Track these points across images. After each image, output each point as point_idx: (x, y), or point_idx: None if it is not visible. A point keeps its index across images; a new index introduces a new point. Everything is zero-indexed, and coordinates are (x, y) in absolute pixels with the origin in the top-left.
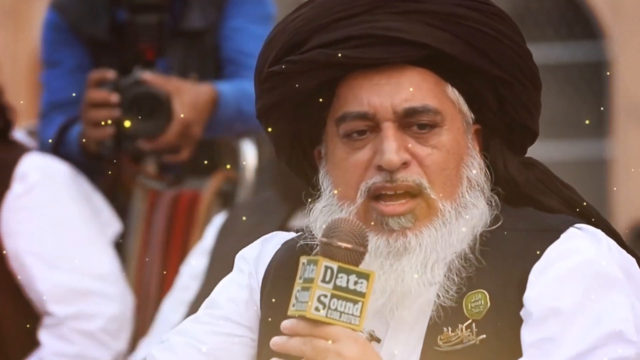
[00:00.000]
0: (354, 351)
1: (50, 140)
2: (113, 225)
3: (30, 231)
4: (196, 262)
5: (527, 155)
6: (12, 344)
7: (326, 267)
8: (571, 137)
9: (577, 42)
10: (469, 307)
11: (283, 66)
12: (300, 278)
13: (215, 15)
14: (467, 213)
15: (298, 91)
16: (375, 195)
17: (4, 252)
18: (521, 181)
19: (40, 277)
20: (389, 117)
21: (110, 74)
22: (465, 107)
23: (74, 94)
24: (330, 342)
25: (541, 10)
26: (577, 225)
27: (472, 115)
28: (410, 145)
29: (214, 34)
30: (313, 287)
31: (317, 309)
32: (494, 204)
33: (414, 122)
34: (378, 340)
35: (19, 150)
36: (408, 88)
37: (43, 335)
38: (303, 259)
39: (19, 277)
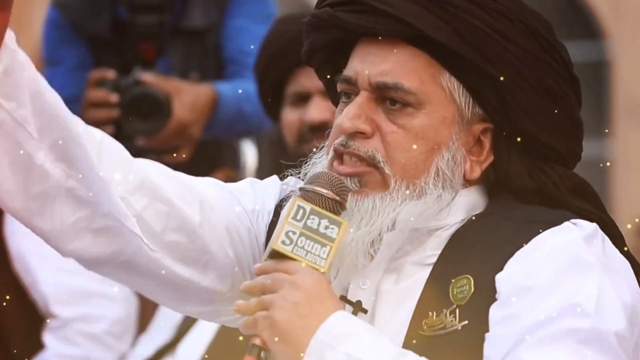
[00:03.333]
0: (308, 282)
1: None
2: None
3: None
4: None
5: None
6: (16, 345)
7: (299, 206)
8: None
9: (577, 42)
10: (455, 292)
11: (308, 17)
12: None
13: (217, 14)
14: (424, 199)
15: (319, 45)
16: (337, 155)
17: (9, 252)
18: (518, 185)
19: (45, 278)
20: (365, 86)
21: (110, 74)
22: (461, 99)
23: (74, 93)
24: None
25: (541, 10)
26: (574, 220)
27: (479, 111)
28: (376, 118)
29: (215, 33)
30: (283, 222)
31: (283, 242)
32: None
33: (386, 97)
34: (365, 311)
35: None
36: (390, 62)
37: (47, 337)
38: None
39: (23, 278)
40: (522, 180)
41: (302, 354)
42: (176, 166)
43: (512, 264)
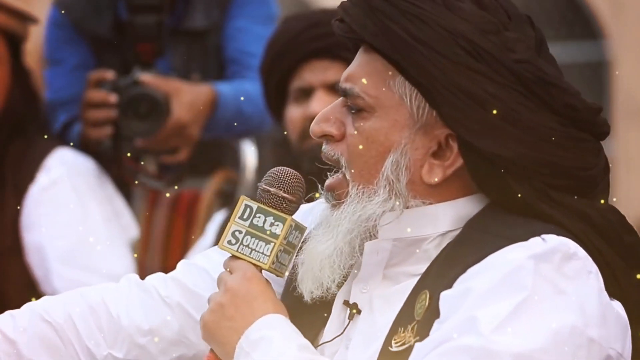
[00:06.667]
0: (237, 283)
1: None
2: (131, 230)
3: (52, 225)
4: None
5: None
6: None
7: (246, 206)
8: None
9: (577, 42)
10: (417, 307)
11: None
12: None
13: (218, 15)
14: (370, 203)
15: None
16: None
17: (24, 245)
18: (488, 195)
19: (58, 273)
20: (340, 91)
21: (109, 74)
22: (413, 103)
23: (76, 92)
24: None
25: (541, 10)
26: (545, 235)
27: (437, 114)
28: (345, 121)
29: (217, 34)
30: (230, 222)
31: (229, 242)
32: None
33: (348, 100)
34: (359, 312)
35: (51, 144)
36: (353, 67)
37: None
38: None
39: (36, 270)
40: (486, 190)
41: (232, 356)
42: (177, 166)
43: (461, 280)
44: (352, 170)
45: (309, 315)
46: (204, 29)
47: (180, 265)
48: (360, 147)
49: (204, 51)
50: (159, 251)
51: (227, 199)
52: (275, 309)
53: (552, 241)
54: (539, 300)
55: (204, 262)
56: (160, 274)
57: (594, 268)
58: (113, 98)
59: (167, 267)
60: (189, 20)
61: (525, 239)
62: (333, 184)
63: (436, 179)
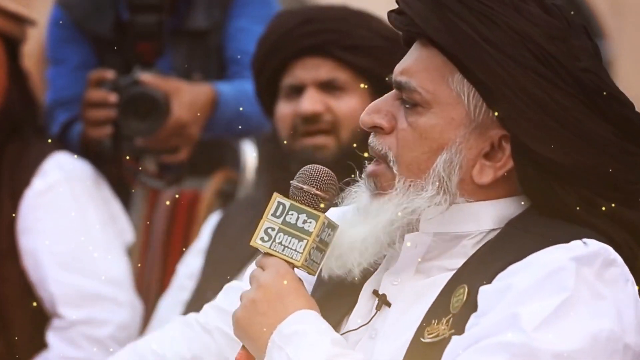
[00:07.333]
0: (269, 279)
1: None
2: (128, 234)
3: (47, 230)
4: (192, 262)
5: None
6: (19, 342)
7: (279, 203)
8: None
9: None
10: (453, 301)
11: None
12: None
13: (219, 15)
14: (417, 198)
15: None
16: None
17: (20, 248)
18: (531, 199)
19: (54, 277)
20: (394, 84)
21: (110, 74)
22: (470, 102)
23: (77, 92)
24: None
25: None
26: (586, 239)
27: (494, 115)
28: (397, 114)
29: (218, 34)
30: (262, 219)
31: (262, 239)
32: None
33: (402, 94)
34: (388, 305)
35: (48, 148)
36: (409, 61)
37: (51, 336)
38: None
39: (31, 275)
40: (530, 194)
41: (263, 352)
42: (177, 165)
43: (501, 277)
44: (400, 164)
45: (335, 298)
46: (205, 29)
47: (221, 291)
48: (412, 142)
49: (205, 51)
50: (159, 251)
51: (227, 199)
52: (307, 304)
53: (594, 246)
54: (580, 303)
55: (241, 283)
56: (204, 307)
57: (631, 277)
58: (113, 98)
59: (167, 266)
60: (190, 20)
61: (567, 241)
62: (377, 172)
63: (487, 180)
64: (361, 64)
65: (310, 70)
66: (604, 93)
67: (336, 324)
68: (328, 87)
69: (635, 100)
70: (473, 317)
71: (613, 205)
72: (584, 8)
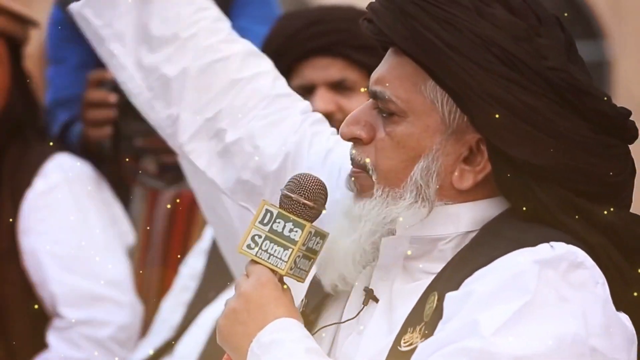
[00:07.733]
0: (250, 288)
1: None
2: (128, 235)
3: (48, 231)
4: (195, 263)
5: None
6: (18, 342)
7: (267, 210)
8: None
9: (577, 42)
10: (426, 308)
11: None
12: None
13: None
14: (396, 206)
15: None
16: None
17: (20, 249)
18: (509, 201)
19: (55, 278)
20: (370, 93)
21: (110, 74)
22: (444, 108)
23: (77, 92)
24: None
25: None
26: (554, 243)
27: (469, 119)
28: (375, 124)
29: None
30: (250, 226)
31: (249, 246)
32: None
33: (378, 104)
34: (376, 300)
35: (49, 149)
36: (382, 70)
37: (51, 336)
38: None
39: (32, 275)
40: (508, 195)
41: None
42: (176, 166)
43: (467, 283)
44: (378, 173)
45: (336, 294)
46: None
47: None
48: (390, 151)
49: None
50: (159, 251)
51: None
52: (287, 313)
53: (560, 249)
54: (541, 306)
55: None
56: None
57: (602, 279)
58: (113, 98)
59: (167, 266)
60: None
61: (534, 244)
62: (358, 175)
63: (467, 185)
64: (370, 63)
65: (320, 70)
66: (576, 90)
67: (339, 319)
68: (338, 87)
69: (635, 100)
70: (440, 324)
71: (594, 204)
72: (584, 8)
